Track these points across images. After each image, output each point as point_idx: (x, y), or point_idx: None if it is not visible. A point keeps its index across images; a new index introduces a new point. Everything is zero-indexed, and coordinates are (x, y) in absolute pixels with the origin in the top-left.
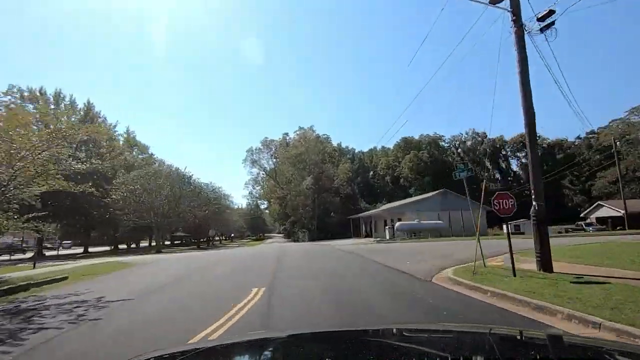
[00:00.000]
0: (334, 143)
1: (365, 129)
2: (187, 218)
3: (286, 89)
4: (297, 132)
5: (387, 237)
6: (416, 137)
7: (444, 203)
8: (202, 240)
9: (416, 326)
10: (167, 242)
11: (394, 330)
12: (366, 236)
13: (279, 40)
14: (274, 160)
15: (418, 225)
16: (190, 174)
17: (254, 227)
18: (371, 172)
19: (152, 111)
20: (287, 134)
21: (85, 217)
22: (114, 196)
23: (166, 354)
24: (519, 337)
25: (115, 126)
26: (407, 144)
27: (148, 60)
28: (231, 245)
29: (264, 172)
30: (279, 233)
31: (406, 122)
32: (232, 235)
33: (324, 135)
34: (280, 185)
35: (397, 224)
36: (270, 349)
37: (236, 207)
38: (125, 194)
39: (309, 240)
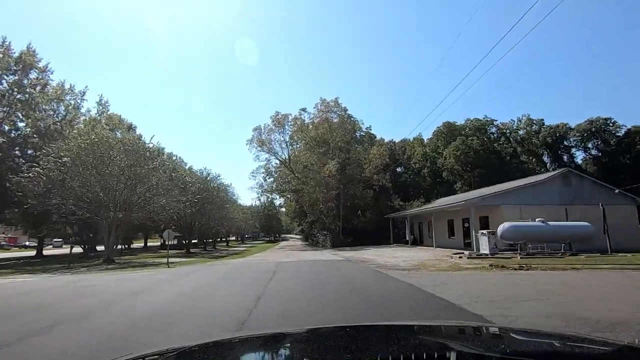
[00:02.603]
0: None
1: (395, 118)
2: (159, 211)
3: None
4: (318, 106)
5: (483, 250)
6: (460, 122)
7: (564, 193)
8: (199, 241)
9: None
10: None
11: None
12: (414, 243)
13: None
14: (288, 142)
15: (545, 230)
16: (163, 148)
17: (268, 228)
18: (400, 167)
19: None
20: (304, 109)
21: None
22: (30, 174)
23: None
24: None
25: (84, 94)
26: (450, 130)
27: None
28: (234, 249)
29: (275, 157)
30: (297, 234)
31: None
32: (246, 236)
33: (349, 114)
34: (296, 174)
35: (504, 226)
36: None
37: (249, 204)
38: (52, 171)
39: (331, 245)
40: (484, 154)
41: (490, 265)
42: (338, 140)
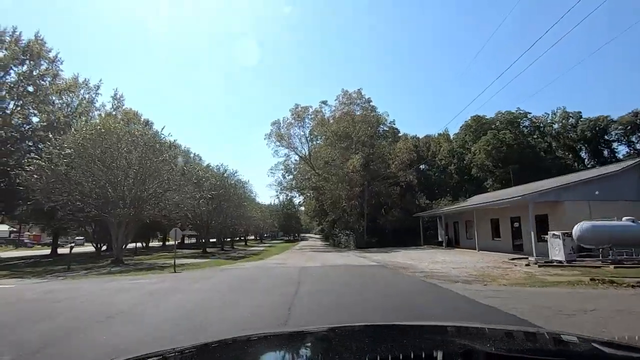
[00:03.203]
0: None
1: (418, 114)
2: (172, 208)
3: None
4: (340, 98)
5: (556, 256)
6: (489, 115)
7: None
8: (217, 241)
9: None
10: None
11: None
12: (449, 245)
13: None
14: (308, 136)
15: (636, 231)
16: (175, 140)
17: (287, 227)
18: (424, 164)
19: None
20: (325, 101)
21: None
22: (30, 167)
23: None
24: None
25: (98, 87)
26: (479, 125)
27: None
28: (252, 249)
29: (294, 152)
30: (316, 234)
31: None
32: (265, 235)
33: (373, 106)
34: (316, 170)
35: (582, 226)
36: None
37: (267, 203)
38: (53, 164)
39: (355, 246)
40: (517, 149)
41: (591, 279)
42: (361, 134)
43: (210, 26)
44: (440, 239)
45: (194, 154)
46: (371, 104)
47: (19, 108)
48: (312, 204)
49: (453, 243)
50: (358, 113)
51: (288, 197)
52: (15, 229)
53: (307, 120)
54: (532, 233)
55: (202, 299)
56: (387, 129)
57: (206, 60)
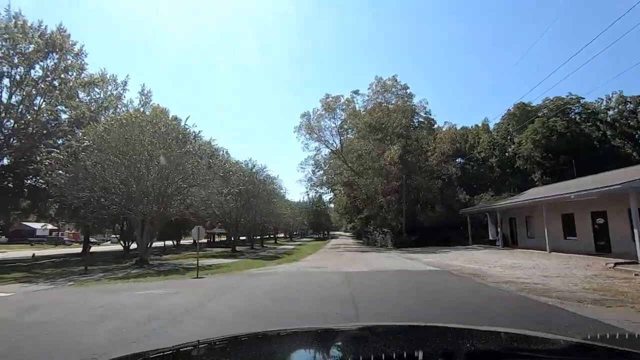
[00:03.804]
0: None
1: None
2: (198, 205)
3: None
4: (373, 86)
5: None
6: (535, 102)
7: None
8: (247, 239)
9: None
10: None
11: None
12: (506, 244)
13: None
14: (340, 128)
15: None
16: (200, 131)
17: (316, 224)
18: (461, 158)
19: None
20: (356, 91)
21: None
22: (48, 161)
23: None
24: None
25: (125, 83)
26: (523, 113)
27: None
28: (283, 247)
29: (325, 146)
30: (346, 231)
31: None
32: (294, 233)
33: (411, 93)
34: (349, 164)
35: None
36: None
37: (297, 200)
38: (72, 157)
39: (392, 245)
40: (569, 137)
41: None
42: (397, 124)
43: (234, 13)
44: (491, 238)
45: (221, 147)
46: (408, 91)
47: (45, 105)
48: (343, 201)
49: (509, 242)
50: (393, 102)
51: (318, 194)
52: (55, 228)
53: (338, 111)
54: (637, 231)
55: (212, 334)
56: (423, 120)
57: (229, 52)
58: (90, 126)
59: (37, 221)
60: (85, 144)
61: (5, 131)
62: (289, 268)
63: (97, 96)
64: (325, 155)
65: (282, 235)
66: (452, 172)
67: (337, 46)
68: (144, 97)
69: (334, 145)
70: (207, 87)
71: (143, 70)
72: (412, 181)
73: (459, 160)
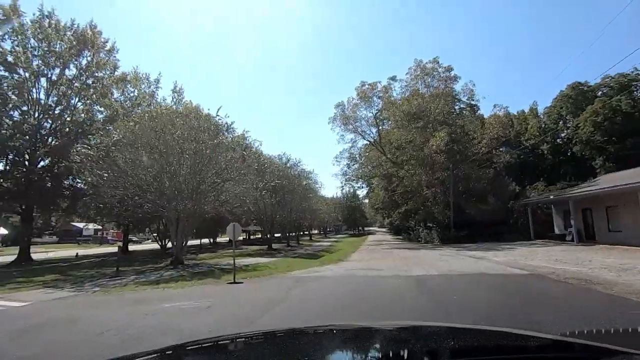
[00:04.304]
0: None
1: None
2: (232, 201)
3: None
4: (412, 70)
5: None
6: (593, 81)
7: None
8: (282, 236)
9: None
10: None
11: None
12: (580, 239)
13: None
14: (377, 117)
15: None
16: (232, 122)
17: (350, 220)
18: (503, 147)
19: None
20: (394, 77)
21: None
22: (78, 157)
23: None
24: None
25: (158, 81)
26: (580, 93)
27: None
28: (319, 244)
29: (361, 137)
30: (381, 227)
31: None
32: (329, 229)
33: (455, 75)
34: (387, 156)
35: None
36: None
37: (330, 196)
38: (101, 152)
39: (440, 240)
40: (638, 117)
41: None
42: (439, 111)
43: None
44: (558, 232)
45: (255, 139)
46: (452, 73)
47: (81, 104)
48: (380, 195)
49: (584, 237)
50: (434, 86)
51: (352, 189)
52: (99, 228)
53: (375, 99)
54: None
55: None
56: (465, 106)
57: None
58: (120, 120)
59: (79, 221)
60: (115, 138)
61: (44, 132)
62: (337, 270)
63: (131, 94)
64: (360, 147)
65: (315, 231)
66: (505, 160)
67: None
68: (176, 95)
69: (371, 135)
70: (229, 83)
71: (165, 64)
72: (459, 171)
73: (502, 148)
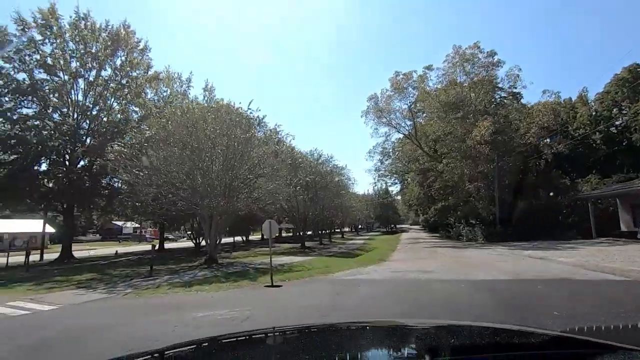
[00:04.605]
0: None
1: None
2: (265, 198)
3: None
4: (449, 57)
5: None
6: None
7: None
8: (313, 233)
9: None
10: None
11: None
12: None
13: None
14: (413, 109)
15: None
16: (264, 116)
17: (383, 217)
18: (548, 138)
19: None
20: (429, 66)
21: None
22: (112, 155)
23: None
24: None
25: (190, 80)
26: (637, 77)
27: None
28: (352, 242)
29: (395, 130)
30: (414, 224)
31: None
32: (360, 227)
33: (499, 60)
34: (424, 149)
35: None
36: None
37: (362, 192)
38: (134, 148)
39: (484, 238)
40: None
41: None
42: (480, 100)
43: None
44: (625, 229)
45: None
46: (495, 58)
47: (117, 105)
48: (415, 191)
49: None
50: (474, 73)
51: (385, 185)
52: (138, 226)
53: (410, 90)
54: None
55: None
56: (506, 95)
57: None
58: (153, 117)
59: (118, 220)
60: (147, 134)
61: (82, 132)
62: (383, 272)
63: (164, 94)
64: (394, 141)
65: (347, 229)
66: (556, 151)
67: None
68: (207, 93)
69: (406, 128)
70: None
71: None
72: (504, 163)
73: (547, 140)
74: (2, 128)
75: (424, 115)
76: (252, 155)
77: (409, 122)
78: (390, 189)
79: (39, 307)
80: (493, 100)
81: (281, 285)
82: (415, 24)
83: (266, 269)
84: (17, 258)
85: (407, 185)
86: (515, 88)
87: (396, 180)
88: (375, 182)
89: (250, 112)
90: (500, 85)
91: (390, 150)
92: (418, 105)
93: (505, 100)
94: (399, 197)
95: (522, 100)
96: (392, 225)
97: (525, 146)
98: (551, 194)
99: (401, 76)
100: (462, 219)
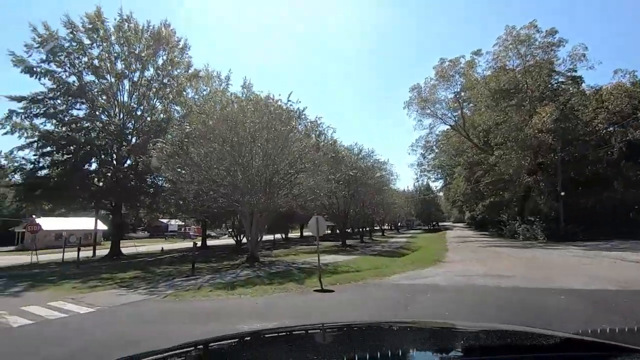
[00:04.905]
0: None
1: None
2: (306, 194)
3: None
4: (501, 41)
5: None
6: None
7: None
8: (352, 231)
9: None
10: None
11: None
12: None
13: None
14: (460, 98)
15: None
16: (304, 108)
17: (424, 215)
18: (615, 126)
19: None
20: (478, 51)
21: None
22: (154, 151)
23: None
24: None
25: (229, 78)
26: None
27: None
28: (395, 240)
29: (440, 121)
30: (457, 222)
31: None
32: (399, 224)
33: (561, 39)
34: (474, 141)
35: None
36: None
37: (401, 189)
38: (175, 146)
39: (545, 237)
40: None
41: None
42: (538, 84)
43: None
44: None
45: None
46: (556, 37)
47: (160, 104)
48: (461, 186)
49: None
50: (531, 55)
51: (426, 181)
52: (182, 224)
53: (457, 77)
54: None
55: None
56: (564, 79)
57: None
58: (192, 113)
59: (163, 218)
60: (187, 130)
61: (127, 131)
62: (444, 275)
63: (203, 92)
64: (438, 133)
65: (386, 227)
66: (635, 138)
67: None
68: (245, 90)
69: (452, 119)
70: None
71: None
72: (567, 153)
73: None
74: (57, 130)
75: (470, 105)
76: (293, 149)
77: (455, 113)
78: (432, 184)
79: (76, 309)
80: (550, 84)
81: (332, 290)
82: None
83: (311, 269)
84: (72, 254)
85: (452, 181)
86: (576, 71)
87: (439, 176)
88: (417, 178)
89: (290, 104)
90: (559, 68)
91: (434, 143)
92: (466, 93)
93: (563, 85)
94: (441, 194)
95: (587, 84)
96: (434, 223)
97: (593, 134)
98: (624, 187)
99: (447, 63)
100: (518, 215)
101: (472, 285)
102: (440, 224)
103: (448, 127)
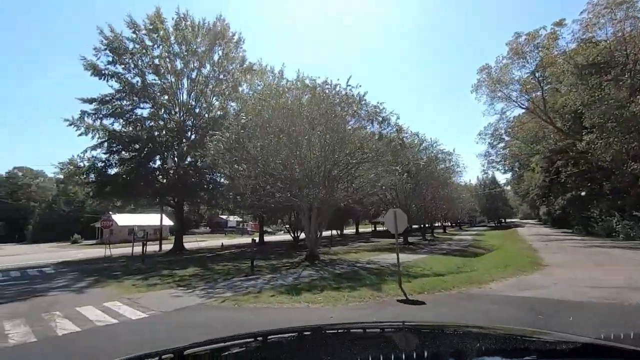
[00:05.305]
0: None
1: None
2: (366, 188)
3: None
4: (590, 7)
5: None
6: None
7: None
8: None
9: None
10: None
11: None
12: None
13: None
14: (539, 79)
15: None
16: (365, 93)
17: (490, 210)
18: None
19: None
20: (560, 22)
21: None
22: (212, 144)
23: None
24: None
25: (282, 73)
26: None
27: None
28: (461, 238)
29: (516, 104)
30: (525, 218)
31: None
32: (460, 221)
33: None
34: (557, 125)
35: None
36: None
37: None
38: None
39: None
40: None
41: None
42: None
43: None
44: None
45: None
46: None
47: (217, 101)
48: (536, 178)
49: None
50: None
51: (492, 174)
52: (240, 220)
53: (535, 54)
54: None
55: None
56: None
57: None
58: (248, 106)
59: (222, 214)
60: (243, 121)
61: (186, 128)
62: (562, 284)
63: (258, 87)
64: (511, 119)
65: (447, 223)
66: None
67: None
68: (299, 83)
69: (525, 104)
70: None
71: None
72: None
73: None
74: (123, 130)
75: (548, 86)
76: (353, 137)
77: (531, 94)
78: (499, 177)
79: (128, 314)
80: None
81: (423, 302)
82: None
83: (379, 270)
84: (140, 248)
85: (523, 173)
86: None
87: (509, 168)
88: (484, 170)
89: (350, 89)
90: None
91: (503, 131)
92: (539, 74)
93: None
94: (508, 188)
95: None
96: (501, 219)
97: None
98: None
99: (523, 37)
100: (617, 211)
101: (621, 303)
102: (507, 220)
103: (522, 111)
